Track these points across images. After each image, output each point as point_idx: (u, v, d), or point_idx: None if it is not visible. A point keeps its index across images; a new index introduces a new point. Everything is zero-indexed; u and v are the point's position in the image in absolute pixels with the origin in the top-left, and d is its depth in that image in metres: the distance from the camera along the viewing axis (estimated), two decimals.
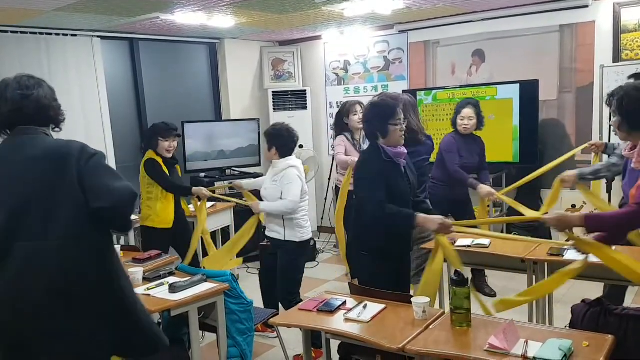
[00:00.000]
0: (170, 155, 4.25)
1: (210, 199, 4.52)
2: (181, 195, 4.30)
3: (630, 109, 2.37)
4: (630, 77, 3.96)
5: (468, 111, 4.40)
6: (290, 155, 3.77)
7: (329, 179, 5.56)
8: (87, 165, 1.94)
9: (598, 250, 2.34)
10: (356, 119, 4.83)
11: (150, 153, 4.25)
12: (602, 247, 2.34)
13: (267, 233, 3.82)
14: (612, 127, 3.62)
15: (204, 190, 4.20)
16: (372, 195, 2.80)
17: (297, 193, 3.62)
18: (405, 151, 2.99)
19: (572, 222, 2.33)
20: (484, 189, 4.16)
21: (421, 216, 2.74)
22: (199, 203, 4.24)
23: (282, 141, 3.73)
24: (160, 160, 4.22)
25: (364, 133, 4.87)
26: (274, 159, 3.75)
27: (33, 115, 2.00)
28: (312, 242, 4.03)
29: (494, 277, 4.68)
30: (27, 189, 1.90)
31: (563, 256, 3.09)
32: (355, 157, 4.86)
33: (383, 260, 2.90)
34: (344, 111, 4.90)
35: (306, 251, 3.86)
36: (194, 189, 4.22)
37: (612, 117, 2.54)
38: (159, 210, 4.18)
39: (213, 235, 5.20)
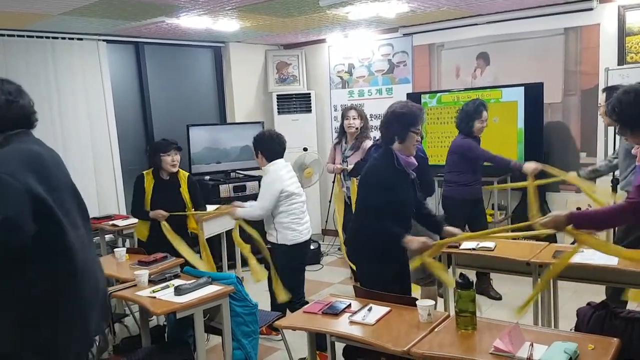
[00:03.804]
0: (175, 170, 4.26)
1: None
2: (140, 219, 4.30)
3: (625, 113, 2.38)
4: (603, 90, 4.01)
5: (486, 114, 4.43)
6: (278, 158, 3.75)
7: (333, 181, 5.57)
8: None
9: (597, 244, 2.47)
10: (346, 123, 4.97)
11: (148, 171, 4.30)
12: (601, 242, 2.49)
13: (267, 237, 3.84)
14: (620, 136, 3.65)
15: (161, 212, 4.11)
16: (372, 205, 2.91)
17: (267, 203, 3.65)
18: (416, 163, 3.02)
19: (564, 220, 2.40)
20: (530, 165, 4.07)
21: (409, 238, 2.85)
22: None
23: (265, 146, 3.74)
24: (150, 181, 4.24)
25: (354, 139, 4.99)
26: (263, 165, 3.77)
27: (17, 120, 2.02)
28: (310, 245, 3.91)
29: (498, 281, 4.67)
30: (67, 183, 2.06)
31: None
32: (337, 163, 5.08)
33: (382, 263, 2.91)
34: (341, 116, 5.15)
35: (300, 254, 3.79)
36: (152, 213, 4.14)
37: (615, 129, 2.57)
38: (139, 223, 4.34)
39: (217, 237, 5.22)
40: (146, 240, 4.27)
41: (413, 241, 2.83)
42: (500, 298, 4.58)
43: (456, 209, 4.38)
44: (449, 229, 3.04)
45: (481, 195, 4.61)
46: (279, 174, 3.70)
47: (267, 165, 3.74)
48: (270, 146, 3.74)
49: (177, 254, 3.92)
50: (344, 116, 5.06)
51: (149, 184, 4.25)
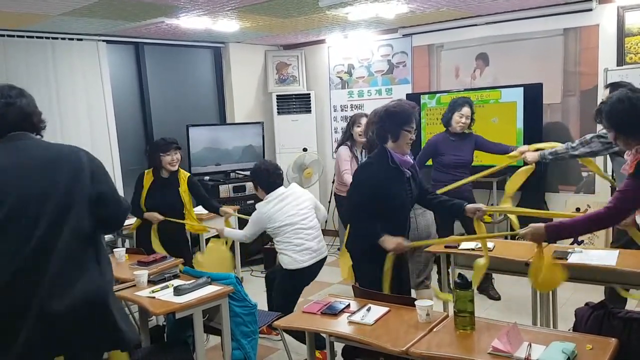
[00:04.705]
0: (175, 168, 4.29)
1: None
2: (134, 216, 4.32)
3: (619, 121, 2.42)
4: (607, 86, 3.96)
5: (467, 110, 4.43)
6: (276, 188, 3.76)
7: (333, 182, 5.57)
8: (98, 170, 2.07)
9: None
10: (358, 130, 4.83)
11: (149, 170, 4.34)
12: None
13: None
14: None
15: (157, 215, 4.21)
16: (357, 202, 2.94)
17: (250, 228, 3.80)
18: (412, 161, 3.01)
19: (543, 233, 2.48)
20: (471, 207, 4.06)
21: (384, 237, 2.86)
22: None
23: (263, 179, 3.78)
24: (149, 179, 4.29)
25: (362, 147, 4.91)
26: (262, 196, 3.80)
27: (17, 122, 2.05)
28: (312, 272, 3.78)
29: (498, 281, 4.67)
30: (39, 189, 1.94)
31: (567, 259, 3.09)
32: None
33: (380, 265, 2.91)
34: (351, 121, 4.94)
35: (294, 280, 3.71)
36: (146, 214, 4.24)
37: (606, 132, 2.60)
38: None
39: (216, 238, 5.22)
40: (134, 230, 4.45)
41: (388, 241, 2.84)
42: (499, 298, 4.59)
43: None
44: (471, 206, 2.98)
45: (468, 195, 4.56)
46: (270, 210, 3.69)
47: (265, 197, 3.77)
48: (267, 180, 3.76)
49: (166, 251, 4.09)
50: (354, 122, 4.86)
51: (147, 181, 4.29)
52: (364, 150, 4.88)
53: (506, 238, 3.75)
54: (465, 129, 4.48)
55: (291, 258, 3.66)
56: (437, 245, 3.71)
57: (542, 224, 2.49)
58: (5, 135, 2.03)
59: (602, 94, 3.93)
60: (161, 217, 4.21)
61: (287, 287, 3.73)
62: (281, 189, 3.76)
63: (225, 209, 4.40)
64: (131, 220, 4.87)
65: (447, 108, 4.55)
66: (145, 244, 4.19)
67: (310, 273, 3.77)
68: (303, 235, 3.70)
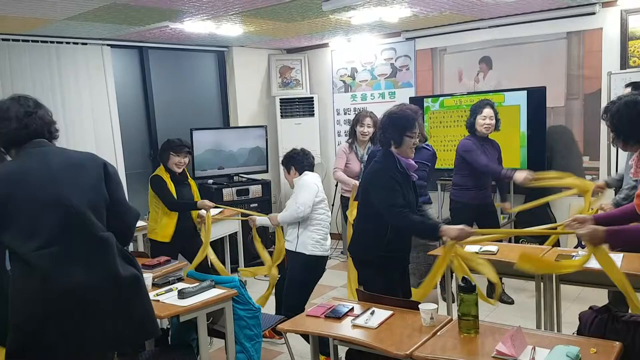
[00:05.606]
0: (179, 170, 4.30)
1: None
2: (186, 211, 4.34)
3: (622, 126, 2.42)
4: (627, 85, 3.94)
5: (489, 111, 4.37)
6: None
7: (336, 185, 5.58)
8: (115, 175, 2.27)
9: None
10: (360, 130, 4.86)
11: (159, 169, 4.32)
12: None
13: (286, 245, 3.88)
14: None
15: (207, 202, 4.26)
16: (393, 204, 2.82)
17: (307, 198, 3.70)
18: (416, 165, 3.02)
19: (602, 237, 2.26)
20: (521, 174, 4.05)
21: (445, 227, 2.73)
22: (204, 216, 4.31)
23: (298, 160, 3.85)
24: (167, 177, 4.27)
25: (369, 145, 4.92)
26: (295, 177, 3.85)
27: (38, 131, 2.13)
28: (325, 264, 3.91)
29: (505, 285, 4.66)
30: (77, 191, 2.09)
31: None
32: (355, 178, 4.86)
33: (383, 269, 2.91)
34: (355, 120, 4.99)
35: (314, 268, 3.78)
36: (199, 202, 4.28)
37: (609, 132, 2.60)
38: (162, 224, 4.25)
39: (220, 241, 5.24)
40: (170, 239, 4.24)
41: (449, 230, 2.69)
42: (512, 302, 4.56)
43: (461, 213, 4.34)
44: (446, 228, 2.82)
45: (490, 200, 4.58)
46: (313, 179, 3.84)
47: (299, 177, 3.85)
48: (303, 162, 3.87)
49: (191, 253, 4.16)
50: (358, 121, 4.90)
51: (168, 179, 4.28)
52: (368, 149, 4.90)
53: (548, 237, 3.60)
54: (492, 130, 4.41)
55: (317, 243, 3.73)
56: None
57: (602, 227, 2.29)
58: (26, 143, 2.10)
59: (622, 93, 3.91)
60: (212, 203, 4.28)
61: (305, 278, 3.76)
62: (313, 173, 3.91)
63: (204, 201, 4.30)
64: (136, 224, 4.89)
65: (469, 114, 4.48)
66: (187, 251, 4.23)
67: (323, 264, 3.87)
68: (328, 223, 3.87)
